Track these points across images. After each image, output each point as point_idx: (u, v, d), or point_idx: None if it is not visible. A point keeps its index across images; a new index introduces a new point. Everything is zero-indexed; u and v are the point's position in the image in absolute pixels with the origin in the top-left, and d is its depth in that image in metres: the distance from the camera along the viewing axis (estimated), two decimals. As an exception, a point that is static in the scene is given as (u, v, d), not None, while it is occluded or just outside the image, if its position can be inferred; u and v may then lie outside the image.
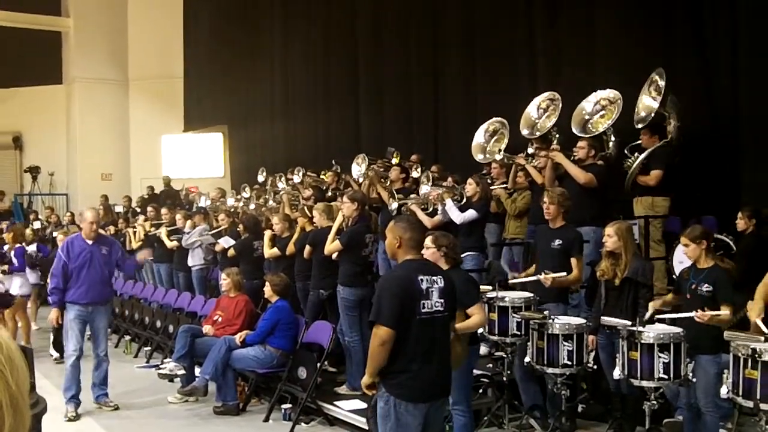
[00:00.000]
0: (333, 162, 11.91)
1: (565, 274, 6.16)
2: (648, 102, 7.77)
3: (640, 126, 7.80)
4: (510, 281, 6.59)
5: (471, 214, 7.71)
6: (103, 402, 7.57)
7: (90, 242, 7.50)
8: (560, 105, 8.12)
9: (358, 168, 9.96)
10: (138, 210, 15.97)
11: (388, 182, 9.24)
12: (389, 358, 4.11)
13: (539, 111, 8.46)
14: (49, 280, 7.64)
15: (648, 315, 5.44)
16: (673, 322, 5.33)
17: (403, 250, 4.32)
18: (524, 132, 8.36)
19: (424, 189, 8.58)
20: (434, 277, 4.25)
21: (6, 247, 11.22)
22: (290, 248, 8.66)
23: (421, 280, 4.18)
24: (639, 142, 7.89)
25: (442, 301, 4.23)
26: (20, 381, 1.04)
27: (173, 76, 20.91)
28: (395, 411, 4.12)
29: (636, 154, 7.83)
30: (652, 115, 7.66)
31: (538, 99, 8.49)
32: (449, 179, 8.88)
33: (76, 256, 7.40)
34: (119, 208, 17.20)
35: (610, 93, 8.03)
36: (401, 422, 4.12)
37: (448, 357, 4.40)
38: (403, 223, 4.44)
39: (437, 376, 4.27)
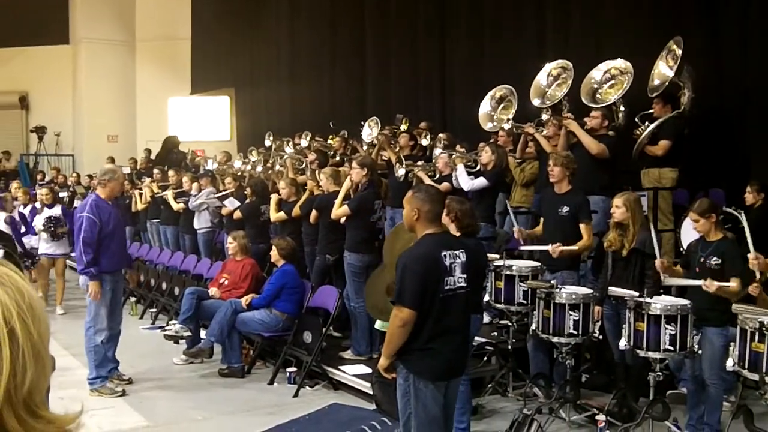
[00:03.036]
0: (331, 124, 11.86)
1: (574, 247, 6.16)
2: (664, 70, 7.66)
3: (654, 94, 7.71)
4: (519, 243, 6.54)
5: (481, 182, 7.65)
6: (116, 375, 7.09)
7: (110, 203, 6.95)
8: (572, 74, 8.04)
9: (369, 131, 9.92)
10: (143, 172, 15.97)
11: (397, 148, 9.21)
12: (409, 336, 3.99)
13: (549, 79, 8.39)
14: (82, 249, 6.66)
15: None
16: (681, 290, 5.33)
17: (421, 222, 4.14)
18: (535, 101, 8.30)
19: (437, 152, 8.54)
20: (456, 252, 4.11)
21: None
22: (296, 211, 8.64)
23: (444, 256, 4.03)
24: (651, 111, 7.81)
25: (465, 276, 4.10)
26: (42, 330, 1.04)
27: (180, 37, 20.79)
28: (414, 388, 4.04)
29: (647, 123, 7.76)
30: (666, 83, 7.57)
31: (549, 66, 8.38)
32: (458, 147, 8.83)
33: (107, 220, 6.75)
34: (126, 170, 17.18)
35: (621, 63, 7.95)
36: (420, 399, 4.03)
37: (468, 333, 4.34)
38: (421, 194, 4.21)
39: (457, 354, 4.18)
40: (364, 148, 10.29)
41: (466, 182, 7.68)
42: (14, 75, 21.26)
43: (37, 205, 11.11)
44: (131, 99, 21.76)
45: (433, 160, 8.55)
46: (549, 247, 6.13)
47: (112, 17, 21.46)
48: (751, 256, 5.01)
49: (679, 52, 7.42)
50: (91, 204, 6.79)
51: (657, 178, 7.71)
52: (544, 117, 8.23)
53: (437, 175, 8.18)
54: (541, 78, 8.45)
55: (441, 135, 9.11)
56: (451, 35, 12.17)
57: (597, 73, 8.05)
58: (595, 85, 8.03)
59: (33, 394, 1.02)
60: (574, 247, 6.14)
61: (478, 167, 7.86)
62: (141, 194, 12.86)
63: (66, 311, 10.36)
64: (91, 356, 6.87)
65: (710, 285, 5.03)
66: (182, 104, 20.69)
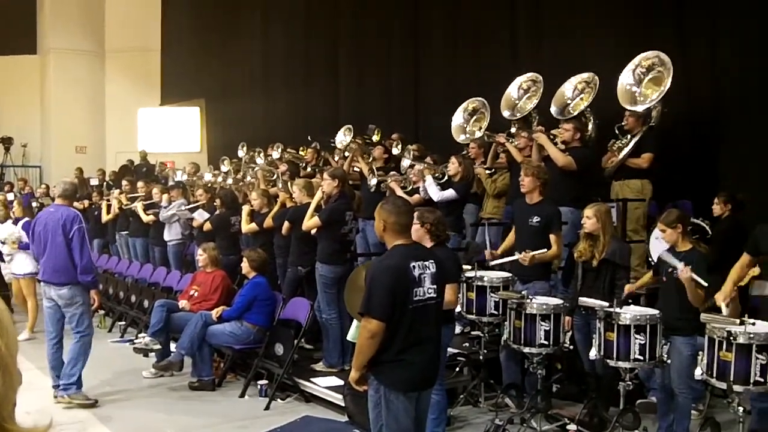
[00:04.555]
0: (309, 138, 11.86)
1: (544, 250, 6.19)
2: (651, 93, 7.65)
3: (632, 109, 7.69)
4: (489, 262, 6.57)
5: (450, 193, 7.71)
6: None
7: None
8: (542, 87, 8.10)
9: (343, 138, 9.95)
10: (111, 183, 15.83)
11: (371, 159, 9.22)
12: (380, 347, 3.97)
13: (520, 92, 8.46)
14: (80, 256, 6.71)
15: (624, 295, 5.50)
16: (651, 301, 5.39)
17: (388, 234, 4.15)
18: (505, 113, 8.37)
19: (405, 162, 8.57)
20: (426, 263, 4.10)
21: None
22: (268, 222, 8.60)
23: (413, 267, 4.03)
24: (623, 123, 7.84)
25: (434, 287, 4.10)
26: (9, 342, 1.03)
27: (150, 48, 20.67)
28: (386, 400, 4.02)
29: (629, 136, 7.78)
30: (654, 103, 7.60)
31: (520, 80, 8.46)
32: (428, 159, 8.87)
33: None
34: (94, 181, 17.03)
35: (586, 75, 8.06)
36: (392, 411, 4.02)
37: (438, 344, 4.33)
38: (389, 206, 4.22)
39: (428, 365, 4.17)
40: (336, 159, 10.30)
41: (435, 193, 7.74)
42: (-20, 85, 21.02)
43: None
44: (100, 110, 21.55)
45: (402, 171, 8.58)
46: (518, 256, 6.16)
47: (81, 27, 21.27)
48: (719, 296, 5.08)
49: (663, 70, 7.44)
50: (79, 216, 6.90)
51: (639, 189, 7.71)
52: (513, 130, 8.31)
53: (409, 186, 8.20)
54: (512, 91, 8.52)
55: (410, 146, 9.14)
56: (424, 48, 12.23)
57: (568, 90, 8.14)
58: (568, 101, 8.11)
59: (1, 407, 1.01)
60: (543, 250, 6.17)
61: (446, 178, 7.91)
62: (109, 206, 12.73)
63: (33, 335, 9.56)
64: (80, 363, 6.83)
65: (685, 272, 5.07)
66: (152, 115, 20.54)
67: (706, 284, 5.10)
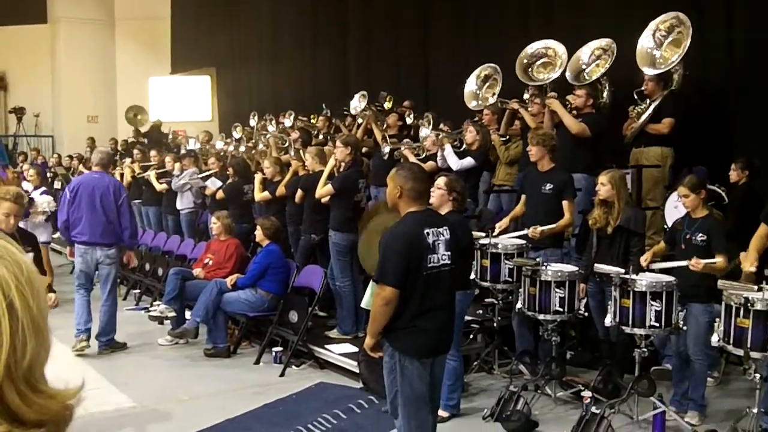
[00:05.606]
0: (323, 106, 11.82)
1: (553, 226, 6.16)
2: (670, 56, 7.51)
3: (652, 72, 7.54)
4: (494, 238, 6.47)
5: (469, 161, 7.70)
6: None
7: None
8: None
9: (357, 104, 9.91)
10: (123, 152, 15.84)
11: (384, 126, 9.19)
12: (394, 314, 3.97)
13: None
14: (129, 220, 7.45)
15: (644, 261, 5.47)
16: (667, 271, 5.36)
17: (404, 200, 4.11)
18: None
19: (424, 132, 8.53)
20: (440, 229, 4.08)
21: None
22: (280, 190, 8.60)
23: (427, 233, 4.00)
24: (643, 89, 7.73)
25: (448, 253, 4.07)
26: (41, 304, 1.03)
27: (160, 16, 20.56)
28: (400, 366, 4.03)
29: (648, 101, 7.66)
30: (674, 65, 7.47)
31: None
32: (442, 126, 8.82)
33: None
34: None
35: (603, 41, 7.92)
36: (406, 377, 4.03)
37: (453, 311, 4.33)
38: (405, 171, 4.18)
39: (442, 331, 4.16)
40: (357, 114, 10.26)
41: (455, 162, 7.71)
42: (-9, 55, 21.00)
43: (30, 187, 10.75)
44: (111, 79, 21.52)
45: (421, 140, 8.54)
46: (527, 231, 6.13)
47: (90, -5, 21.20)
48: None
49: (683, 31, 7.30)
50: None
51: (659, 156, 7.59)
52: (526, 96, 8.21)
53: (423, 154, 8.17)
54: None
55: (428, 114, 9.08)
56: (434, 12, 12.10)
57: (584, 55, 8.01)
58: (583, 66, 8.00)
59: (33, 368, 1.00)
60: (553, 226, 6.15)
61: (463, 147, 7.87)
62: (122, 175, 12.73)
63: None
64: (113, 319, 7.57)
65: (697, 264, 5.06)
66: (163, 84, 20.49)
67: (720, 262, 5.06)
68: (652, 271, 5.44)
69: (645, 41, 7.56)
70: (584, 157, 7.25)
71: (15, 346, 0.98)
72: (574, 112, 7.45)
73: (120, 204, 7.35)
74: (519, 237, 6.37)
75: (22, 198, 4.91)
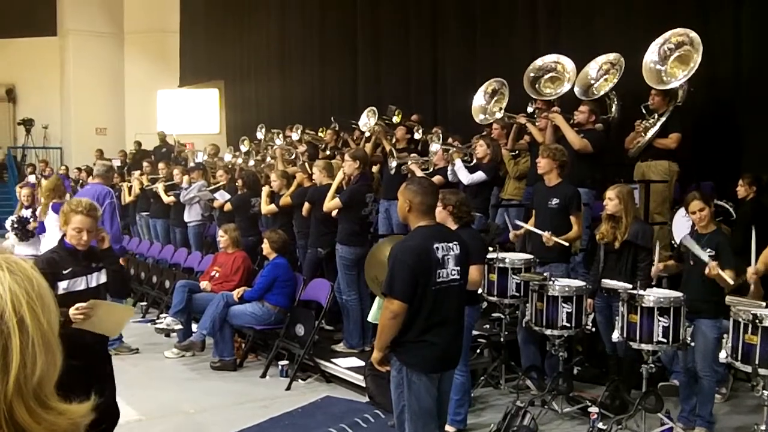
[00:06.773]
0: (332, 119, 11.84)
1: (563, 241, 6.15)
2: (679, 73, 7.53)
3: (660, 87, 7.57)
4: (514, 232, 6.54)
5: (480, 176, 7.70)
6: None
7: None
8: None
9: (366, 120, 9.92)
10: (131, 165, 15.88)
11: (393, 140, 9.20)
12: (402, 328, 3.96)
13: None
14: (110, 225, 7.53)
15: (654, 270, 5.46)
16: (673, 283, 5.33)
17: (413, 214, 4.11)
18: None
19: (434, 147, 8.55)
20: (450, 244, 4.06)
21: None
22: (285, 200, 8.61)
23: (437, 248, 3.99)
24: (649, 103, 7.74)
25: (458, 269, 4.07)
26: (51, 319, 1.03)
27: (168, 30, 20.72)
28: (408, 380, 4.02)
29: (656, 116, 7.65)
30: (682, 82, 7.49)
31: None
32: (450, 140, 8.84)
33: None
34: (116, 162, 17.12)
35: (611, 56, 7.95)
36: (414, 391, 4.01)
37: (462, 326, 4.31)
38: (414, 186, 4.16)
39: (451, 346, 4.14)
40: (365, 131, 10.27)
41: (466, 177, 7.71)
42: (1, 67, 21.10)
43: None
44: (120, 91, 21.64)
45: (430, 155, 8.55)
46: (545, 234, 6.11)
47: (100, 9, 21.33)
48: (750, 269, 4.97)
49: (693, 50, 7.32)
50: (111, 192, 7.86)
51: (666, 170, 7.59)
52: (530, 109, 8.23)
53: (430, 168, 8.18)
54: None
55: (436, 129, 9.09)
56: (443, 26, 12.14)
57: (592, 70, 8.03)
58: (591, 80, 8.01)
59: (43, 384, 1.01)
60: (563, 241, 6.13)
61: (474, 161, 7.88)
62: (130, 187, 12.79)
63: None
64: None
65: (713, 268, 5.03)
66: (171, 97, 20.60)
67: (731, 282, 5.03)
68: (660, 282, 5.42)
69: (650, 55, 7.58)
70: (589, 172, 7.25)
71: (25, 363, 0.98)
72: (576, 128, 7.46)
73: (102, 211, 7.42)
74: (529, 240, 6.37)
75: (95, 210, 4.37)
